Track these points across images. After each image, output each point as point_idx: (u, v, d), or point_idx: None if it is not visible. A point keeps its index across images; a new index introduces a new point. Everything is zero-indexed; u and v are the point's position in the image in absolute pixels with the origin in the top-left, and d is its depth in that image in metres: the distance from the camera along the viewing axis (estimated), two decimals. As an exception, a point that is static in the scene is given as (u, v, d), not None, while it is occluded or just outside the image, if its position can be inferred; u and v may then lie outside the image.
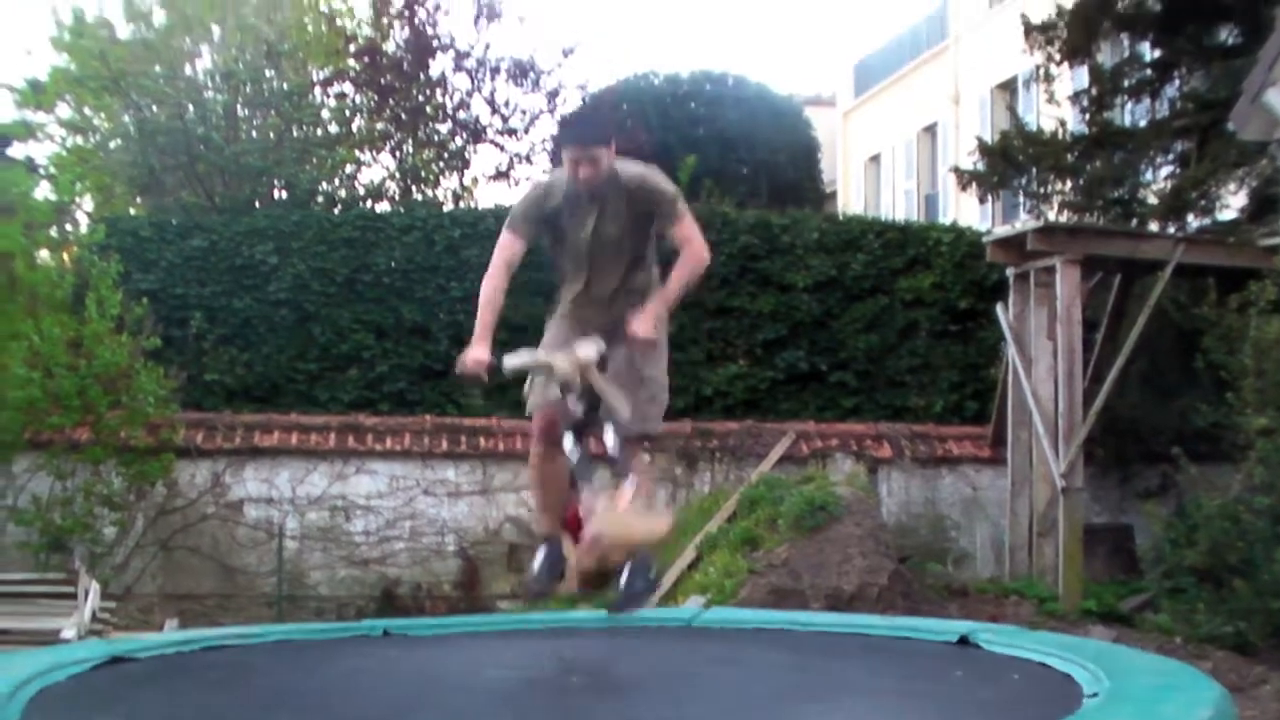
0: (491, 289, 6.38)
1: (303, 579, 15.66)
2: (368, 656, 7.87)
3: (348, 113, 23.27)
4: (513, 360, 6.19)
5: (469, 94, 23.11)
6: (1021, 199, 18.26)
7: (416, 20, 22.71)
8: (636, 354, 6.46)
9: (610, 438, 6.18)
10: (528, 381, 6.51)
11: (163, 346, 15.25)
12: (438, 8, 22.78)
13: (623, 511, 5.94)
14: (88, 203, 22.89)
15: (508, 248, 6.44)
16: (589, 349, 6.23)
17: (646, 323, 6.29)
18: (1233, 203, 16.74)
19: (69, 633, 11.14)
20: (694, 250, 6.47)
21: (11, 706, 6.03)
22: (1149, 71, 17.55)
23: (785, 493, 13.82)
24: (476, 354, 6.19)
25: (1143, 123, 17.78)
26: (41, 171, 22.43)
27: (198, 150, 20.51)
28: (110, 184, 22.73)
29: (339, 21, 23.96)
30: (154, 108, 21.58)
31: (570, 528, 6.56)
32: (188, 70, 23.05)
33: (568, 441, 6.22)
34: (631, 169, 6.51)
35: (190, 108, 21.32)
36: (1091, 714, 5.88)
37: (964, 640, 8.15)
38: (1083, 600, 14.05)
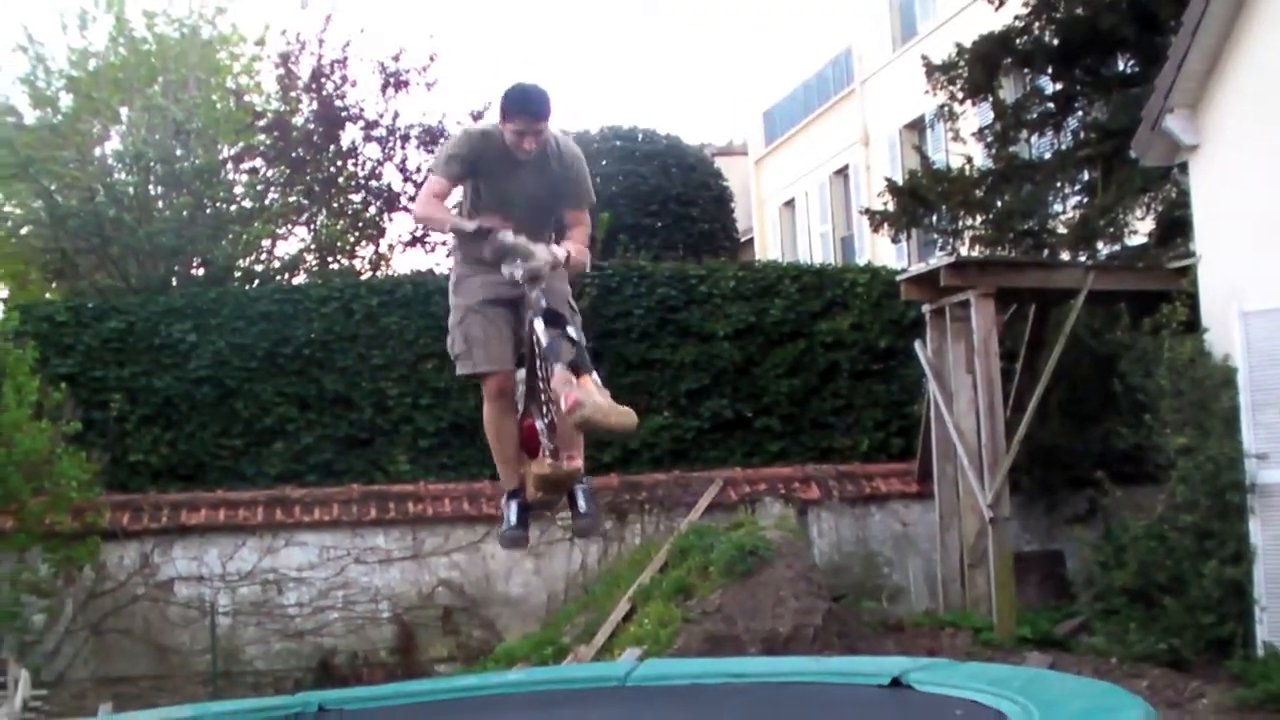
0: (429, 208, 6.67)
1: (238, 655, 15.52)
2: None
3: (260, 187, 23.22)
4: (506, 237, 6.38)
5: (380, 162, 23.11)
6: (934, 236, 18.43)
7: (324, 92, 22.72)
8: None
9: (575, 330, 6.40)
10: (458, 341, 6.74)
11: (84, 430, 15.15)
12: (344, 79, 22.79)
13: (596, 391, 6.12)
14: (1, 290, 22.75)
15: (433, 186, 6.66)
16: (559, 249, 6.55)
17: (584, 249, 6.71)
18: (1140, 228, 16.94)
19: (1, 723, 11.03)
20: (586, 236, 6.85)
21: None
22: (1050, 104, 17.77)
23: (715, 540, 13.86)
24: (484, 223, 6.47)
25: (1048, 155, 17.98)
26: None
27: (110, 232, 20.41)
28: (24, 270, 22.61)
29: (246, 97, 23.99)
30: (64, 192, 21.46)
31: (527, 445, 6.77)
32: (97, 153, 22.95)
33: (539, 326, 6.37)
34: (570, 143, 6.86)
35: (101, 190, 21.20)
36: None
37: (896, 682, 8.21)
38: (1017, 627, 14.13)
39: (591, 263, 6.79)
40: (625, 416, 6.12)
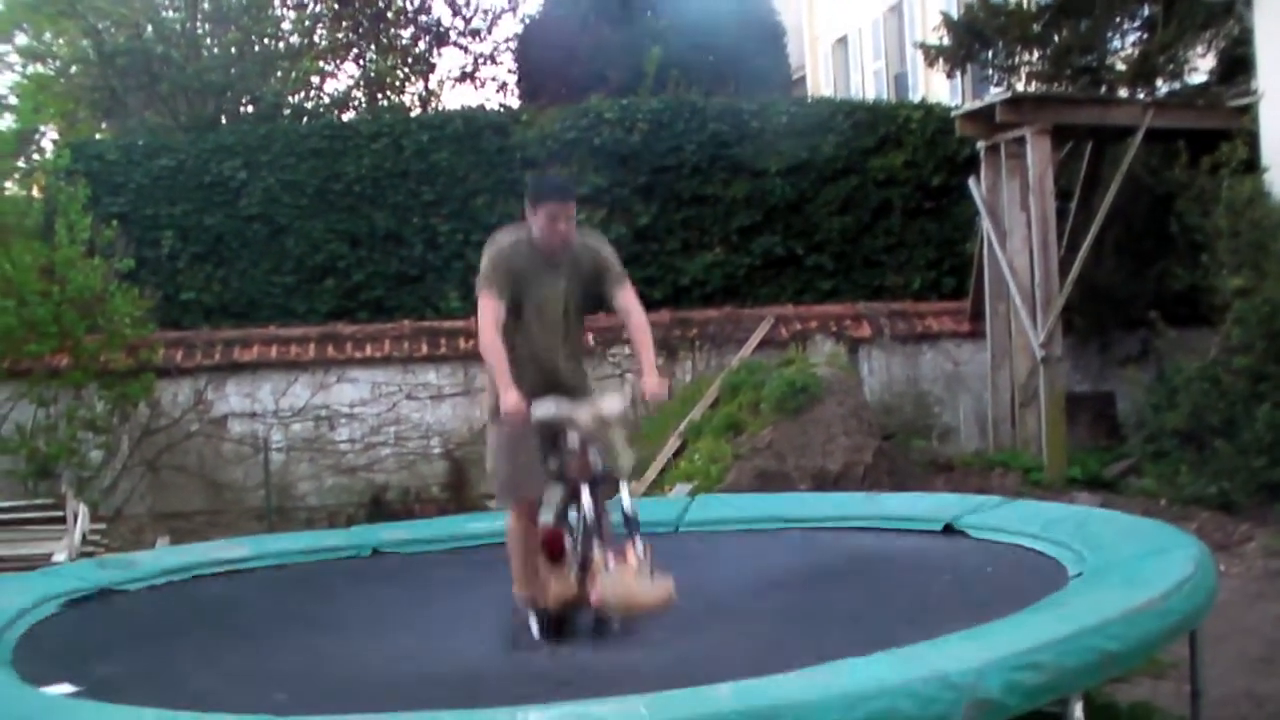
0: (495, 346, 6.58)
1: (291, 490, 15.69)
2: (356, 587, 7.94)
3: (308, 23, 23.07)
4: (540, 410, 6.48)
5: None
6: (990, 72, 18.16)
7: (373, -76, 22.47)
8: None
9: (626, 495, 6.45)
10: (501, 470, 6.86)
11: (136, 268, 15.24)
12: (393, -89, 22.54)
13: (630, 576, 6.18)
14: (51, 130, 22.74)
15: (492, 309, 6.65)
16: (614, 403, 6.64)
17: (657, 380, 6.76)
18: (1201, 65, 16.64)
19: (60, 556, 11.17)
20: (643, 315, 7.01)
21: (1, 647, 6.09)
22: (1112, -64, 17.40)
23: (766, 376, 13.86)
24: (515, 401, 6.43)
25: (1108, -11, 17.65)
26: (2, 101, 22.32)
27: (159, 70, 20.33)
28: (73, 109, 22.57)
29: (295, -70, 23.71)
30: (112, 30, 21.37)
31: (551, 551, 6.87)
32: (144, -11, 22.81)
33: (586, 499, 6.50)
34: (589, 236, 7.10)
35: (148, 28, 21.11)
36: (1077, 591, 5.95)
37: (949, 528, 8.20)
38: (1067, 468, 14.12)
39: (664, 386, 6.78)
40: (657, 596, 6.16)
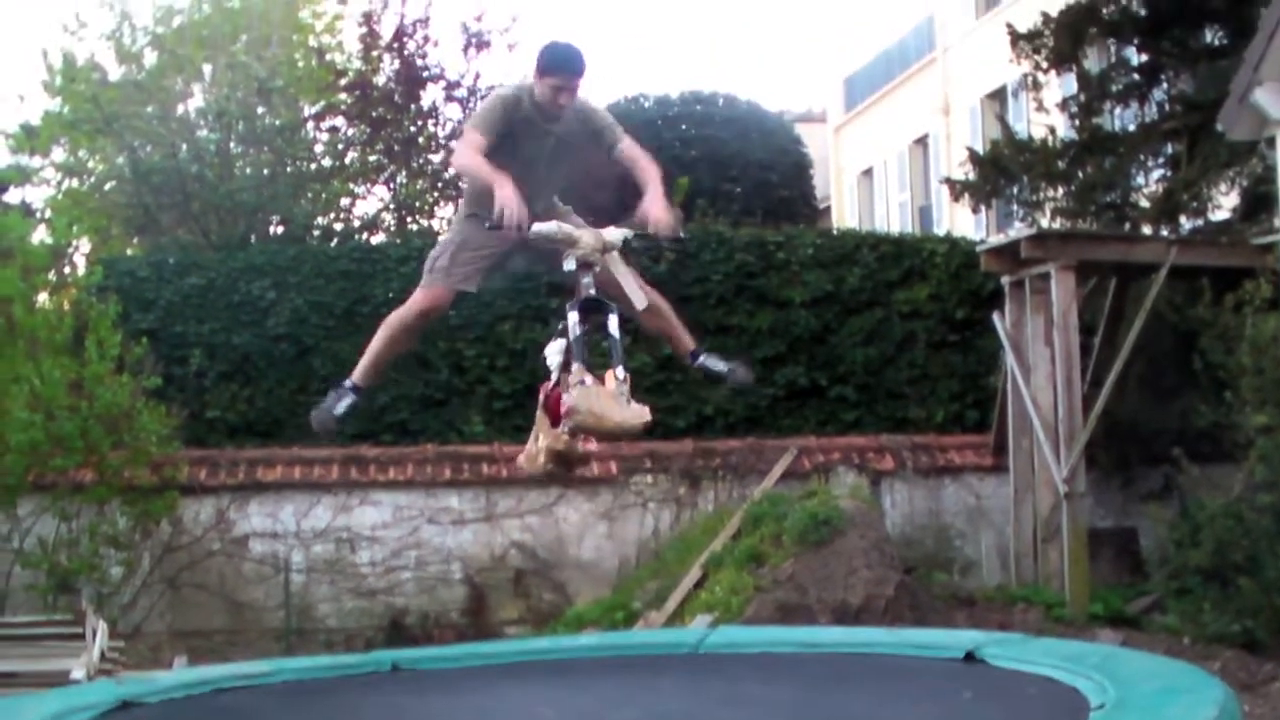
0: (475, 159, 6.53)
1: (310, 612, 15.65)
2: (376, 699, 7.89)
3: (340, 146, 23.29)
4: (542, 227, 6.41)
5: (461, 123, 23.09)
6: (1014, 207, 18.31)
7: (406, 52, 22.71)
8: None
9: (614, 322, 6.44)
10: (444, 257, 6.80)
11: (163, 385, 15.27)
12: (426, 39, 22.80)
13: (604, 393, 6.18)
14: (84, 245, 22.95)
15: (475, 144, 6.61)
16: (616, 233, 6.59)
17: (664, 206, 6.72)
18: (1224, 203, 16.78)
19: (78, 673, 11.14)
20: (649, 158, 6.92)
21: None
22: (1136, 76, 17.61)
23: (789, 508, 13.83)
24: (512, 196, 6.28)
25: (1132, 127, 17.82)
26: (37, 215, 22.58)
27: (192, 189, 20.52)
28: (106, 225, 22.81)
29: (329, 56, 24.03)
30: (147, 148, 21.62)
31: (551, 413, 6.73)
32: (180, 110, 23.11)
33: (573, 318, 6.41)
34: (584, 100, 6.93)
35: (183, 147, 21.33)
36: (1100, 727, 5.89)
37: (970, 656, 8.15)
38: (1090, 604, 14.07)
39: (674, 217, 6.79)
40: (630, 419, 6.20)
